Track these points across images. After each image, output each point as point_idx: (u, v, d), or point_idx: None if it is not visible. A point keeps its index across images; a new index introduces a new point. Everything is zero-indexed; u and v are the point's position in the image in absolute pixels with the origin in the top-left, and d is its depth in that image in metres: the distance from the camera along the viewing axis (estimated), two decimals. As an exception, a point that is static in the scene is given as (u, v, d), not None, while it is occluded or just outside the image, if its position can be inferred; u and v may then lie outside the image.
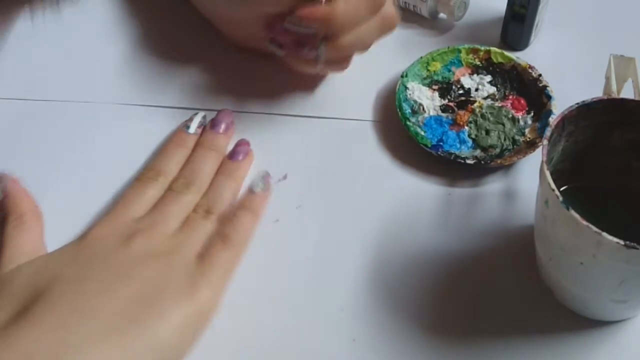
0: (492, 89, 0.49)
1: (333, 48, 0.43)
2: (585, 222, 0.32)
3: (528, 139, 0.46)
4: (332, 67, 0.46)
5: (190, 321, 0.36)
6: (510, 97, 0.49)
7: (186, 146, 0.45)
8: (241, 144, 0.45)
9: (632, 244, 0.31)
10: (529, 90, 0.49)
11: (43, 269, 0.36)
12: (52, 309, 0.34)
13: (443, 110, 0.48)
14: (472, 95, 0.49)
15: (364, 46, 0.45)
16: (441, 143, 0.46)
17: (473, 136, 0.47)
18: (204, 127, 0.46)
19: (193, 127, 0.45)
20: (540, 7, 0.50)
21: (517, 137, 0.46)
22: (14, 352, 0.32)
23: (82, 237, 0.39)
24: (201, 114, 0.46)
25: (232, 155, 0.45)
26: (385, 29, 0.45)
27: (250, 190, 0.42)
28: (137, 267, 0.36)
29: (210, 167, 0.43)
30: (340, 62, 0.46)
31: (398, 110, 0.47)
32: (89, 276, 0.36)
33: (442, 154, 0.45)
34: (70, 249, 0.38)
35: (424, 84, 0.50)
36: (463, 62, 0.51)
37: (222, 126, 0.45)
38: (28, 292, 0.35)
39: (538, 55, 0.52)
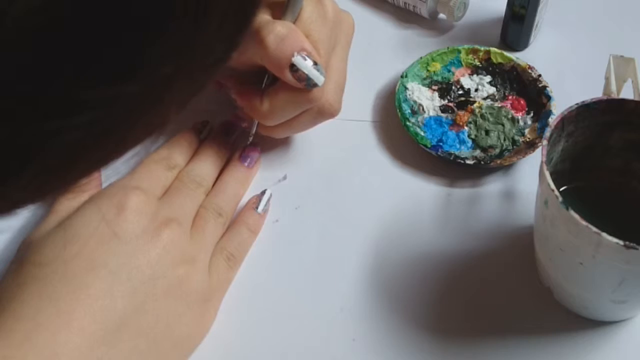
0: (492, 90, 0.49)
1: (264, 129, 0.44)
2: (584, 223, 0.32)
3: (528, 140, 0.46)
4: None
5: (192, 337, 0.37)
6: (510, 97, 0.49)
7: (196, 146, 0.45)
8: (254, 149, 0.45)
9: (632, 244, 0.31)
10: (528, 90, 0.49)
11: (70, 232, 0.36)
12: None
13: (443, 111, 0.48)
14: (471, 95, 0.49)
15: (297, 132, 0.45)
16: (441, 143, 0.46)
17: (473, 136, 0.47)
18: (210, 131, 0.46)
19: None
20: (540, 7, 0.50)
21: (516, 138, 0.46)
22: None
23: (121, 209, 0.36)
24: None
25: (244, 157, 0.44)
26: (322, 118, 0.43)
27: (254, 209, 0.42)
28: (163, 278, 0.36)
29: (218, 167, 0.44)
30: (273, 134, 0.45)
31: (398, 110, 0.47)
32: (120, 269, 0.35)
33: (441, 155, 0.45)
34: (112, 214, 0.36)
35: (423, 85, 0.50)
36: (463, 63, 0.51)
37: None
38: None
39: (538, 55, 0.52)
